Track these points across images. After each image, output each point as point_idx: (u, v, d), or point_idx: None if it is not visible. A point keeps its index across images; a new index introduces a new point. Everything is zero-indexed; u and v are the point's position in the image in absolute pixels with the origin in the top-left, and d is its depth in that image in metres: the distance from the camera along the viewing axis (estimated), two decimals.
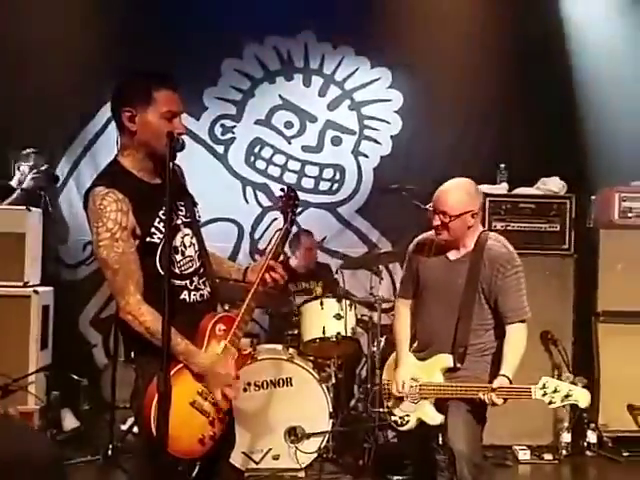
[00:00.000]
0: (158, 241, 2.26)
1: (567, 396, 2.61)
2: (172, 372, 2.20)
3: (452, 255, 2.93)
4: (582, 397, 2.63)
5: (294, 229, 2.67)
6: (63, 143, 5.40)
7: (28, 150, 4.76)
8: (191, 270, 2.36)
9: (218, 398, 2.28)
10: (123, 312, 2.22)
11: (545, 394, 2.62)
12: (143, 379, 2.25)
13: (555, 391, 2.61)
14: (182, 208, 2.37)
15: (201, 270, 2.39)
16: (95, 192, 2.22)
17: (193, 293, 2.34)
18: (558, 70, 5.27)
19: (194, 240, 2.39)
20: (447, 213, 2.82)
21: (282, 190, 2.63)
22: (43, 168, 4.67)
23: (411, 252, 3.07)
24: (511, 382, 2.68)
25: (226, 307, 2.62)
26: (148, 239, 2.25)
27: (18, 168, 4.70)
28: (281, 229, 2.57)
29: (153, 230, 2.25)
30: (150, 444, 2.17)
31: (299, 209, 2.68)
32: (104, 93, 5.22)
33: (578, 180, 4.85)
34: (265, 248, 5.50)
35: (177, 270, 2.31)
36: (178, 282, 2.30)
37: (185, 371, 2.25)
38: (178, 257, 2.32)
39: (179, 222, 2.35)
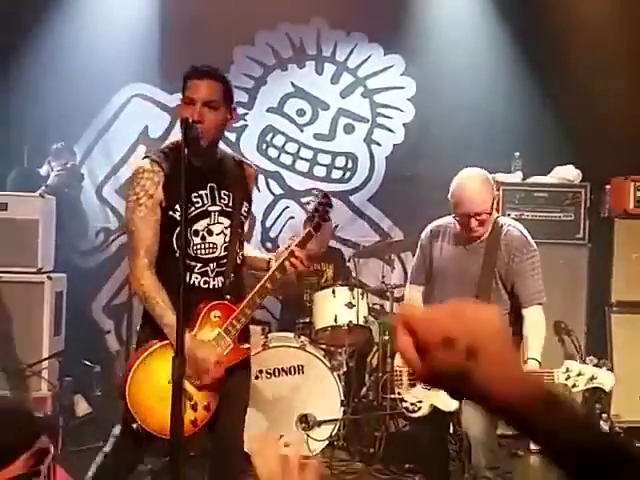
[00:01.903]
0: (179, 219, 2.31)
1: (591, 379, 2.58)
2: (157, 345, 2.27)
3: (468, 242, 2.91)
4: (607, 380, 2.59)
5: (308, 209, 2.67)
6: (76, 130, 5.43)
7: (58, 145, 4.78)
8: (208, 256, 2.40)
9: (195, 382, 2.31)
10: (130, 274, 2.38)
11: (569, 377, 2.58)
12: (136, 348, 2.37)
13: (579, 374, 2.58)
14: (225, 197, 2.44)
15: (223, 260, 2.42)
16: (139, 162, 2.41)
17: (196, 276, 2.38)
18: (574, 57, 5.22)
19: (228, 231, 2.43)
20: (483, 212, 2.78)
21: (316, 195, 2.61)
22: (69, 165, 4.69)
23: (424, 239, 3.06)
24: (541, 364, 2.66)
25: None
26: (170, 213, 2.34)
27: (49, 162, 4.74)
28: (306, 230, 2.50)
29: (177, 207, 2.33)
30: (124, 412, 2.27)
31: (309, 198, 2.68)
32: (116, 80, 5.35)
33: (593, 169, 4.82)
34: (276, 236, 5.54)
35: (191, 251, 2.37)
36: (188, 262, 2.35)
37: (171, 348, 2.26)
38: (196, 240, 2.38)
39: (216, 209, 2.41)
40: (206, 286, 2.40)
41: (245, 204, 2.52)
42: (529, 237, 2.89)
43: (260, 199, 5.66)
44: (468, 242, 2.91)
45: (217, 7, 5.29)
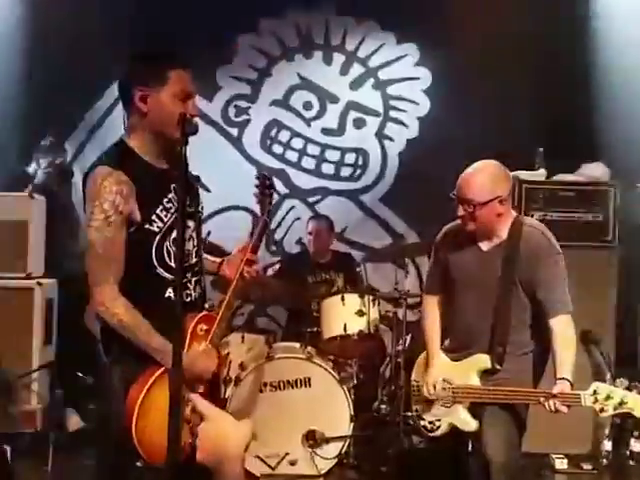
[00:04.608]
0: (157, 230, 2.27)
1: (621, 403, 2.51)
2: (155, 375, 2.21)
3: (485, 245, 2.85)
4: (637, 405, 2.51)
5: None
6: (67, 127, 5.44)
7: (46, 141, 4.78)
8: (187, 265, 2.34)
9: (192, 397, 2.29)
10: (96, 302, 2.22)
11: (596, 401, 2.51)
12: (120, 382, 2.26)
13: (608, 398, 2.51)
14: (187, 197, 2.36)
15: (196, 268, 2.39)
16: (97, 171, 2.23)
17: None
18: (602, 50, 5.19)
19: (194, 234, 2.38)
20: (471, 202, 2.71)
21: (257, 178, 2.57)
22: (57, 162, 4.69)
23: (439, 243, 3.01)
24: (573, 386, 2.58)
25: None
26: (147, 226, 2.25)
27: (37, 160, 4.74)
28: (258, 221, 2.53)
29: (154, 218, 2.26)
30: (121, 448, 2.21)
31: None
32: (110, 75, 5.34)
33: (623, 166, 4.77)
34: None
35: (172, 263, 2.30)
36: (169, 276, 2.30)
37: (167, 376, 2.22)
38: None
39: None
40: (188, 299, 2.34)
41: (199, 199, 2.46)
42: (553, 239, 2.79)
43: None
44: (486, 245, 2.84)
45: None
